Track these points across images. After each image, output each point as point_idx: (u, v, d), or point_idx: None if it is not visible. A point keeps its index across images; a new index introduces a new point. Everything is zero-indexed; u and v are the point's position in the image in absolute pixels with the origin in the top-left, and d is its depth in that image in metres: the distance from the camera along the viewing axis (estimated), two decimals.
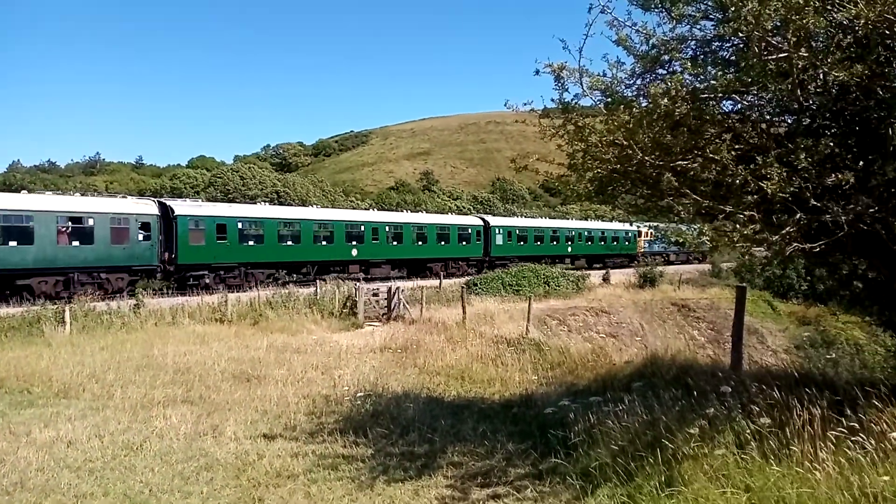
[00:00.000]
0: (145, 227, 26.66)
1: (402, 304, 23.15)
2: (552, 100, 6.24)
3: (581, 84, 6.02)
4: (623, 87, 6.30)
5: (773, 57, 5.08)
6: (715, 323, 29.42)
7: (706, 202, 5.75)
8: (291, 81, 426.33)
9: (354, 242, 34.27)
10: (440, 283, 31.16)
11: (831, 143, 5.25)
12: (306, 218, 33.48)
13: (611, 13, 5.88)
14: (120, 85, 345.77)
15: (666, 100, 5.26)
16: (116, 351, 14.48)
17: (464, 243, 40.60)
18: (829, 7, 5.03)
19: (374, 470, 6.80)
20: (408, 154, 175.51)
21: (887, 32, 4.95)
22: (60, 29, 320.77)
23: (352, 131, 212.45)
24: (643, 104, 5.98)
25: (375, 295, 24.28)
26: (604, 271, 41.62)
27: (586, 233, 51.60)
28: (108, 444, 7.79)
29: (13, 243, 22.72)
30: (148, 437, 8.12)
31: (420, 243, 37.78)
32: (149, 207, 27.53)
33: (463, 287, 25.21)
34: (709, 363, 11.13)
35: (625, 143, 5.75)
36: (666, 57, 6.05)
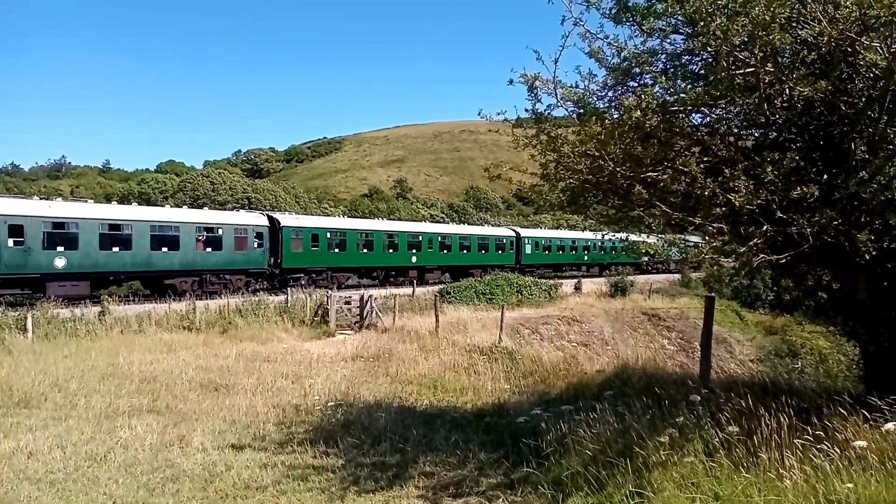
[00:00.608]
0: (259, 236, 31.24)
1: (374, 312, 23.04)
2: (526, 110, 6.29)
3: (555, 94, 6.08)
4: (595, 99, 6.37)
5: (741, 72, 5.18)
6: (684, 332, 29.83)
7: (676, 213, 5.83)
8: (263, 87, 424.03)
9: (414, 251, 39.25)
10: (413, 291, 31.12)
11: (797, 157, 5.37)
12: (378, 229, 38.72)
13: (583, 25, 5.96)
14: (86, 87, 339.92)
15: (637, 112, 5.33)
16: (81, 359, 14.15)
17: (500, 252, 45.59)
18: (794, 24, 5.16)
19: (345, 481, 6.74)
20: (381, 161, 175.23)
21: (849, 50, 5.08)
22: (24, 28, 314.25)
23: (325, 138, 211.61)
24: (615, 116, 6.05)
25: (347, 303, 24.14)
26: (575, 280, 42.09)
27: (599, 243, 54.44)
28: (70, 455, 7.61)
29: (165, 249, 27.50)
30: (112, 447, 7.95)
31: (464, 252, 42.97)
32: (262, 220, 32.31)
33: (436, 295, 25.21)
34: (678, 372, 11.27)
35: (596, 154, 5.82)
36: (637, 70, 6.13)
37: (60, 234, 24.57)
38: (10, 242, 22.96)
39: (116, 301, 22.57)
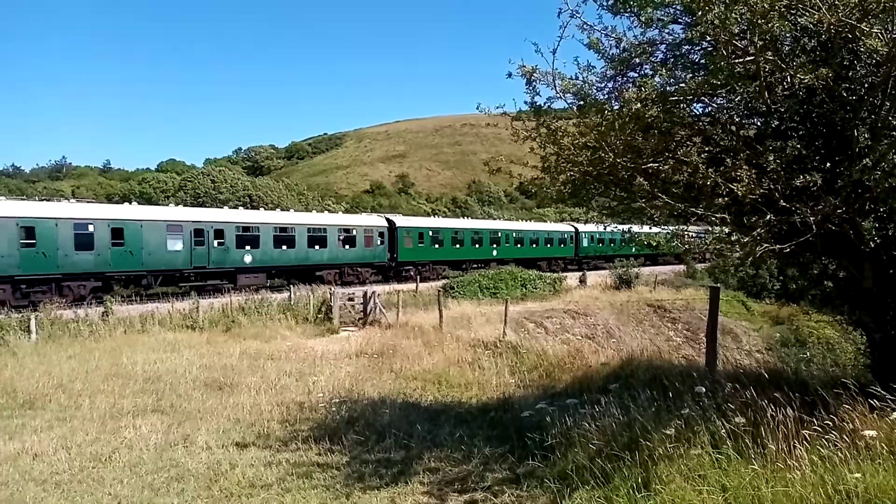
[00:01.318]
0: (381, 235, 38.40)
1: (378, 308, 23.04)
2: (525, 102, 6.24)
3: (554, 86, 6.02)
4: (595, 90, 6.31)
5: (741, 60, 5.13)
6: (690, 323, 29.78)
7: (678, 204, 5.78)
8: (263, 84, 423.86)
9: (494, 245, 46.05)
10: (417, 287, 31.13)
11: (799, 145, 5.31)
12: (466, 227, 46.44)
13: (580, 17, 5.90)
14: (87, 88, 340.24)
15: (637, 103, 5.28)
16: (84, 360, 14.18)
17: (561, 245, 52.22)
18: (793, 12, 5.09)
19: (350, 478, 6.72)
20: (383, 156, 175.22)
21: (849, 36, 5.02)
22: (23, 29, 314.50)
23: (325, 134, 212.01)
24: (615, 107, 6.00)
25: (351, 300, 24.14)
26: (580, 273, 42.09)
27: (643, 236, 57.76)
28: (75, 456, 7.60)
29: (317, 247, 34.60)
30: (117, 447, 7.94)
31: (534, 245, 49.64)
32: (383, 221, 39.48)
33: (439, 291, 25.19)
34: (684, 364, 11.21)
35: (597, 145, 5.77)
36: (637, 60, 6.08)
37: (247, 237, 31.43)
38: (215, 243, 29.86)
39: (119, 301, 22.63)
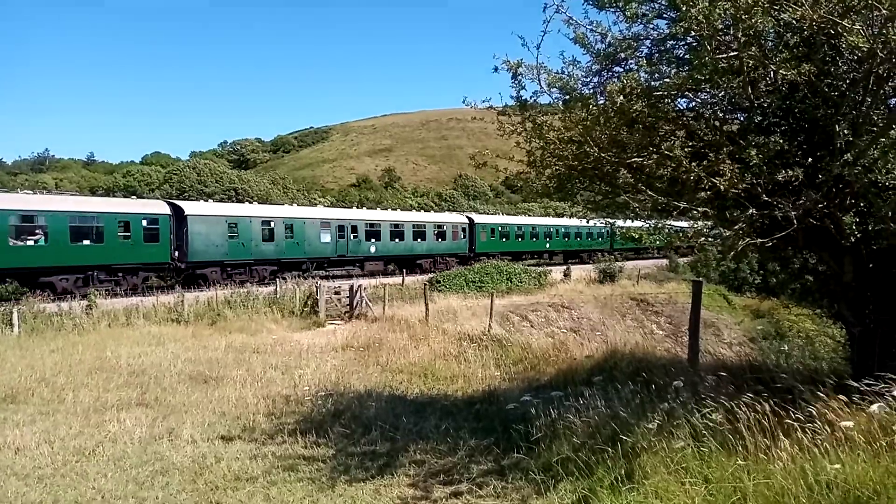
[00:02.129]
0: (463, 231, 45.55)
1: (364, 301, 23.02)
2: (511, 97, 6.25)
3: (539, 81, 6.04)
4: (580, 85, 6.34)
5: (725, 55, 5.17)
6: (673, 317, 30.01)
7: (661, 198, 5.83)
8: (249, 76, 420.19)
9: (548, 238, 53.22)
10: (403, 281, 31.13)
11: (781, 141, 5.37)
12: (526, 223, 53.70)
13: (566, 12, 5.91)
14: (69, 79, 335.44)
15: (622, 97, 5.31)
16: (68, 353, 14.04)
17: (599, 238, 57.11)
18: (776, 7, 5.14)
19: (335, 470, 6.73)
20: (369, 150, 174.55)
21: (832, 32, 5.08)
22: (4, 21, 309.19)
23: (311, 127, 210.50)
24: (600, 101, 6.03)
25: (337, 293, 24.09)
26: (564, 267, 42.27)
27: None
28: (58, 450, 7.53)
29: (419, 240, 42.01)
30: (101, 441, 7.88)
31: (577, 238, 55.84)
32: (465, 219, 47.06)
33: (426, 284, 25.20)
34: (667, 356, 11.32)
35: (582, 139, 5.80)
36: (622, 55, 6.10)
37: (372, 231, 39.06)
38: (352, 237, 37.38)
39: (103, 295, 22.41)
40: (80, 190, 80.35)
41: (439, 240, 43.60)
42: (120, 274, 26.59)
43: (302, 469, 6.80)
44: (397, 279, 32.59)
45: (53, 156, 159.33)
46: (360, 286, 23.94)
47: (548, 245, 53.44)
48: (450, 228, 44.88)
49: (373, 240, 38.69)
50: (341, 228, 36.75)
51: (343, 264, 37.42)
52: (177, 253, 28.93)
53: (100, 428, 8.46)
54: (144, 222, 27.88)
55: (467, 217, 47.95)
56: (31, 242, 24.40)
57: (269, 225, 33.22)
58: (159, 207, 29.68)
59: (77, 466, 7.03)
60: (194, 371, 12.27)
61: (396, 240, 40.37)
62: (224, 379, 11.61)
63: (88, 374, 11.83)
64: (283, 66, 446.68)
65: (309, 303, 23.48)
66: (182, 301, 21.30)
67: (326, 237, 35.71)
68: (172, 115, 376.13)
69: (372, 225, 39.31)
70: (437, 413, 9.01)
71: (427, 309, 19.59)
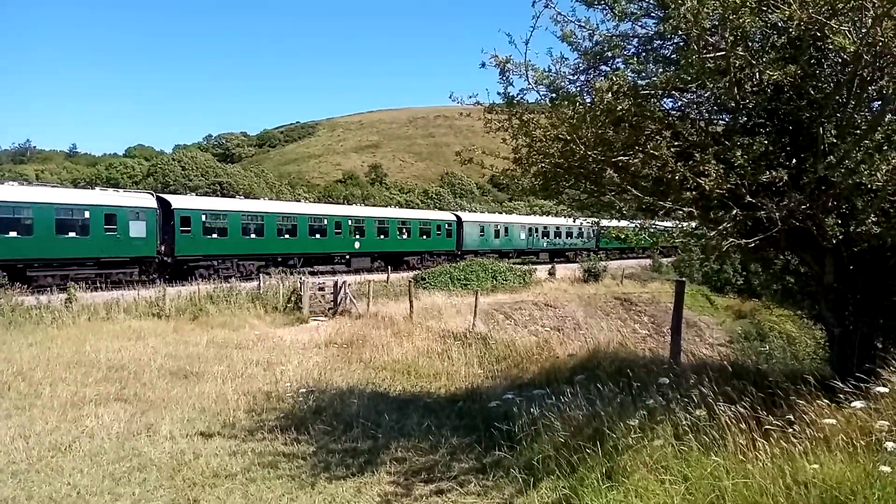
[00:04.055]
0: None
1: (348, 298, 22.91)
2: (498, 93, 6.21)
3: (527, 78, 6.01)
4: (567, 83, 6.32)
5: (712, 55, 5.16)
6: (655, 317, 30.22)
7: (647, 198, 5.83)
8: (234, 70, 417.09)
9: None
10: (388, 278, 31.04)
11: (766, 142, 5.38)
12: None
13: (554, 8, 5.88)
14: (51, 70, 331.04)
15: (609, 95, 5.29)
16: (46, 347, 13.84)
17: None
18: (764, 8, 5.15)
19: (316, 467, 6.68)
20: (356, 146, 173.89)
21: (818, 34, 5.10)
22: None
23: (298, 122, 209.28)
24: (587, 100, 6.01)
25: (321, 289, 23.95)
26: (550, 266, 42.40)
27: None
28: (33, 445, 7.40)
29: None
30: (77, 437, 7.76)
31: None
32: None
33: (410, 281, 25.14)
34: (649, 356, 11.36)
35: (568, 137, 5.78)
36: (609, 53, 6.08)
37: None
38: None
39: (84, 288, 22.12)
40: (62, 182, 79.29)
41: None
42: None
43: (282, 466, 6.74)
44: (383, 276, 32.50)
45: (35, 147, 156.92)
46: (344, 282, 23.82)
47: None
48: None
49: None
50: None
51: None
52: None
53: (77, 423, 8.34)
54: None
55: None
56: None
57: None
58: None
59: (53, 462, 6.92)
60: (174, 366, 12.14)
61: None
62: (204, 374, 11.50)
63: (66, 369, 11.66)
64: (269, 59, 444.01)
65: (293, 299, 23.33)
66: (164, 295, 21.06)
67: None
68: (156, 108, 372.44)
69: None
70: (420, 410, 8.98)
71: (411, 306, 19.53)
